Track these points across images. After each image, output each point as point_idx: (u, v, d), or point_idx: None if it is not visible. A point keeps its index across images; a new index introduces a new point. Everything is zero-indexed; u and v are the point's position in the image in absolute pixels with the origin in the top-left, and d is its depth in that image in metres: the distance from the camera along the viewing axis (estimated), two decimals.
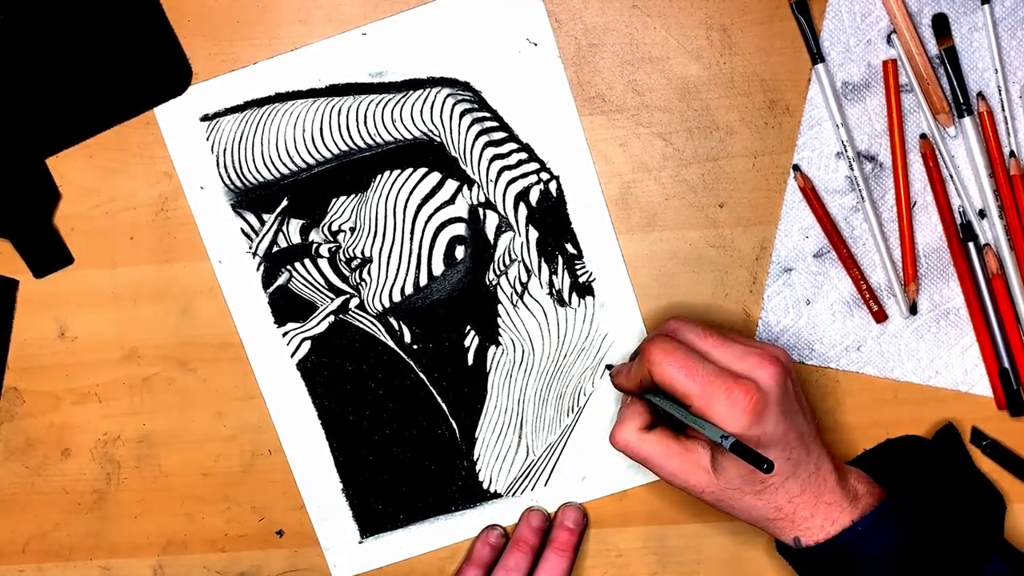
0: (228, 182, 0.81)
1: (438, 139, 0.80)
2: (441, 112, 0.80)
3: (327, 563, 0.83)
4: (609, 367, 0.82)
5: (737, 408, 0.69)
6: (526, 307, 0.82)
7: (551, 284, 0.82)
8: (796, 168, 0.80)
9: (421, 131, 0.80)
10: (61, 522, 0.84)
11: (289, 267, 0.82)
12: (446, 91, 0.80)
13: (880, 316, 0.80)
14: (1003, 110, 0.79)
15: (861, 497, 0.73)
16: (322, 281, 0.82)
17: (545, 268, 0.81)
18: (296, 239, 0.81)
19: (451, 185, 0.81)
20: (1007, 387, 0.80)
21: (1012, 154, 0.79)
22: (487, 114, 0.80)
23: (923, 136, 0.80)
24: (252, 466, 0.83)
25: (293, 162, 0.81)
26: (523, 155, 0.81)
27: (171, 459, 0.83)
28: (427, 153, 0.81)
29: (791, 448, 0.71)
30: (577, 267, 0.81)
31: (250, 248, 0.81)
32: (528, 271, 0.81)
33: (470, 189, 0.81)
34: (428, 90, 0.80)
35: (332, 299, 0.82)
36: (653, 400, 0.74)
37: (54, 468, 0.83)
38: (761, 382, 0.70)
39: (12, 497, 0.84)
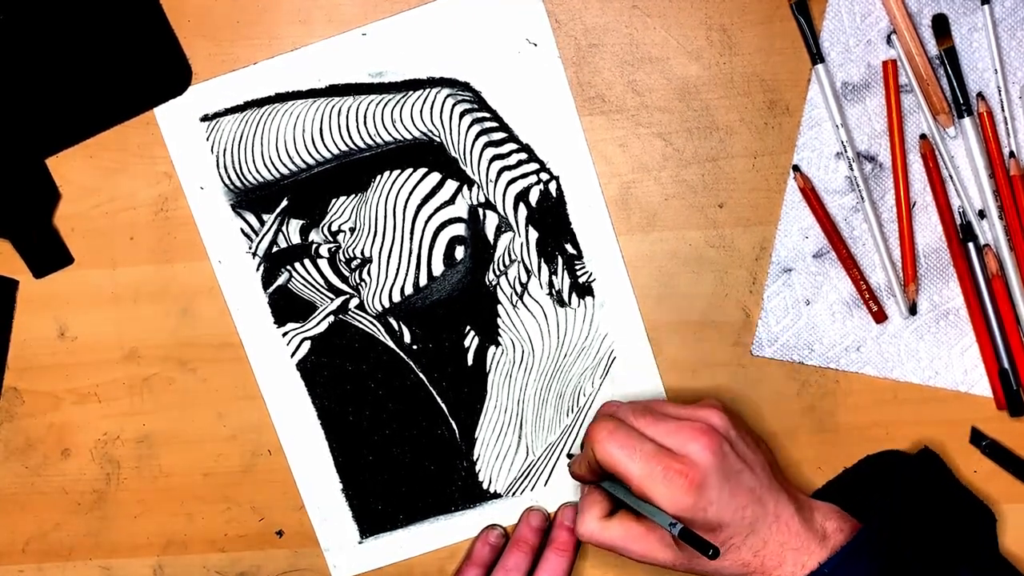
0: (228, 182, 0.81)
1: (438, 139, 0.80)
2: (441, 112, 0.80)
3: (327, 563, 0.83)
4: (570, 456, 0.82)
5: (676, 487, 0.70)
6: (526, 307, 0.82)
7: (551, 284, 0.82)
8: (796, 168, 0.80)
9: (421, 131, 0.80)
10: (61, 522, 0.84)
11: (289, 267, 0.82)
12: (446, 91, 0.80)
13: (880, 316, 0.80)
14: (1003, 110, 0.79)
15: (831, 535, 0.73)
16: (322, 281, 0.82)
17: (545, 268, 0.81)
18: (296, 239, 0.81)
19: (451, 185, 0.81)
20: (1007, 387, 0.80)
21: (1012, 154, 0.79)
22: (487, 114, 0.81)
23: (923, 136, 0.80)
24: (252, 466, 0.83)
25: (293, 162, 0.81)
26: (523, 155, 0.81)
27: (171, 459, 0.83)
28: (427, 153, 0.81)
29: (743, 507, 0.71)
30: (577, 267, 0.81)
31: (250, 248, 0.81)
32: (528, 271, 0.81)
33: (470, 189, 0.81)
34: (428, 90, 0.80)
35: (332, 299, 0.82)
36: (607, 488, 0.76)
37: (54, 468, 0.83)
38: (695, 456, 0.71)
39: (12, 497, 0.84)
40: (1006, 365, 0.80)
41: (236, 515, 0.83)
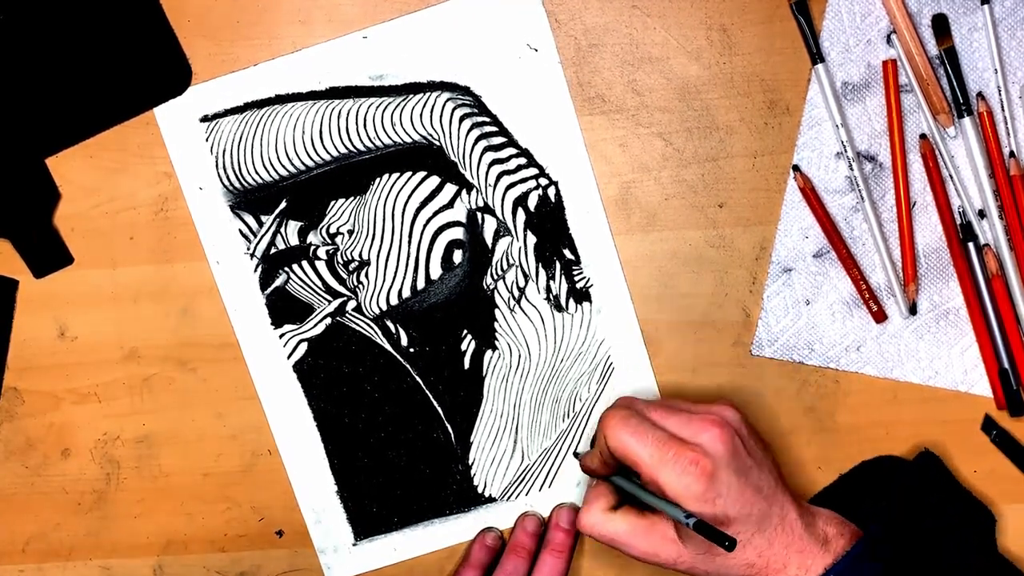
0: (227, 183, 0.81)
1: (437, 143, 0.80)
2: (441, 116, 0.80)
3: (320, 565, 0.83)
4: (576, 454, 0.82)
5: (687, 474, 0.70)
6: (523, 312, 0.82)
7: (548, 289, 0.82)
8: (796, 168, 0.80)
9: (420, 135, 0.80)
10: (61, 522, 0.84)
11: (287, 269, 0.82)
12: (446, 95, 0.80)
13: (880, 316, 0.80)
14: (1003, 110, 0.79)
15: (832, 540, 0.73)
16: (319, 283, 0.82)
17: (543, 273, 0.81)
18: (294, 241, 0.81)
19: (450, 189, 0.81)
20: (1007, 387, 0.80)
21: (1012, 154, 0.79)
22: (487, 119, 0.80)
23: (923, 136, 0.80)
24: (252, 466, 0.83)
25: (292, 164, 0.81)
26: (522, 160, 0.81)
27: (171, 459, 0.83)
28: (426, 157, 0.81)
29: (751, 504, 0.71)
30: (575, 273, 0.81)
31: (248, 249, 0.81)
32: (526, 276, 0.81)
33: (469, 193, 0.81)
34: (428, 94, 0.80)
35: (329, 301, 0.82)
36: (617, 482, 0.75)
37: (54, 468, 0.83)
38: (707, 446, 0.71)
39: (12, 497, 0.84)
40: (1006, 365, 0.80)
41: (236, 515, 0.83)
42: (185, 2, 0.80)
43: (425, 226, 0.81)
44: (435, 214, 0.81)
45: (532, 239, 0.81)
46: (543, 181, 0.81)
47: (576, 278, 0.81)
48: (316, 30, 0.81)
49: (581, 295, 0.82)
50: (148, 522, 0.84)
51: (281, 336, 0.82)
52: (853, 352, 0.81)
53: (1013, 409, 0.80)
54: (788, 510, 0.73)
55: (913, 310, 0.81)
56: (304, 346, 0.82)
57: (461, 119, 0.80)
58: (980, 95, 0.79)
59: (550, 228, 0.81)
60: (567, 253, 0.81)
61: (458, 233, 0.81)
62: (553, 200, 0.81)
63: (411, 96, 0.80)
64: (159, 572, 0.84)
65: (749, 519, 0.72)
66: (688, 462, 0.70)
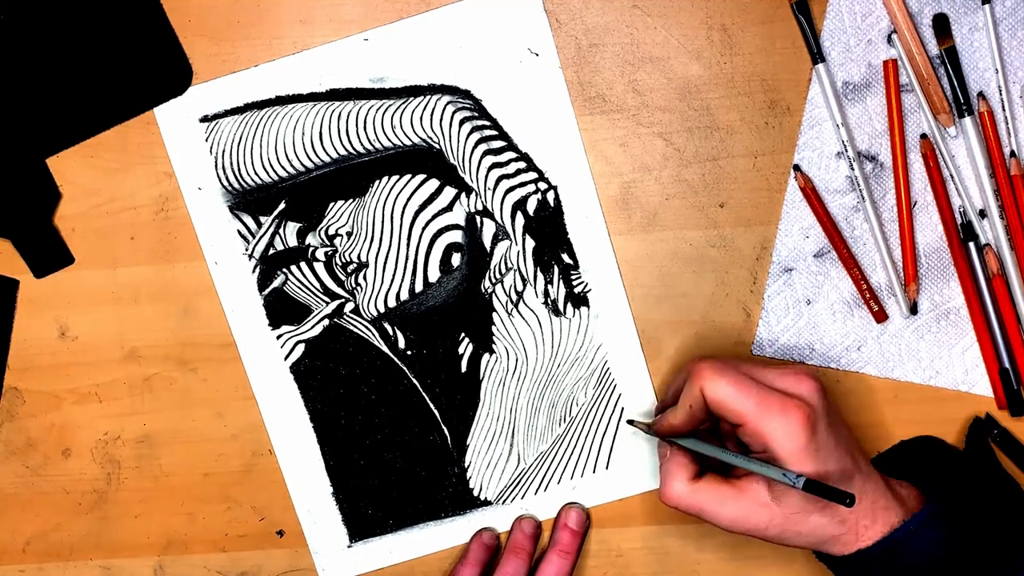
0: (226, 183, 0.81)
1: (437, 146, 0.80)
2: (441, 119, 0.80)
3: (315, 566, 0.83)
4: (631, 422, 0.81)
5: (792, 423, 0.69)
6: (521, 316, 0.82)
7: (546, 294, 0.82)
8: (796, 168, 0.80)
9: (420, 138, 0.80)
10: (62, 522, 0.84)
11: (285, 270, 0.82)
12: (446, 98, 0.80)
13: (880, 316, 0.80)
14: (1003, 110, 0.79)
15: (906, 499, 0.73)
16: (317, 285, 0.82)
17: (541, 277, 0.81)
18: (293, 242, 0.81)
19: (449, 192, 0.81)
20: (1007, 387, 0.80)
21: (1012, 154, 0.79)
22: (487, 122, 0.80)
23: (923, 136, 0.80)
24: (253, 466, 0.83)
25: (292, 165, 0.81)
26: (522, 164, 0.81)
27: (172, 459, 0.83)
28: (426, 160, 0.81)
29: (844, 457, 0.71)
30: (573, 277, 0.81)
31: (246, 250, 0.81)
32: (524, 280, 0.81)
33: (468, 197, 0.81)
34: (428, 97, 0.80)
35: (327, 303, 0.82)
36: (697, 449, 0.73)
37: (55, 468, 0.83)
38: (807, 397, 0.70)
39: (13, 497, 0.84)
40: (1007, 365, 0.80)
41: (237, 515, 0.83)
42: (186, 2, 0.80)
43: (424, 229, 0.81)
44: (434, 217, 0.81)
45: (531, 243, 0.81)
46: (542, 185, 0.81)
47: (574, 283, 0.81)
48: (317, 31, 0.80)
49: (579, 300, 0.82)
50: (149, 522, 0.84)
51: (279, 337, 0.82)
52: (854, 352, 0.81)
53: (1014, 409, 0.80)
54: (870, 468, 0.73)
55: (914, 310, 0.81)
56: (301, 347, 0.82)
57: (461, 122, 0.80)
58: (981, 95, 0.79)
59: (549, 232, 0.81)
60: (565, 258, 0.81)
61: (457, 236, 0.81)
62: (552, 204, 0.81)
63: (411, 99, 0.80)
64: (159, 572, 0.84)
65: (843, 474, 0.70)
66: (793, 410, 0.69)
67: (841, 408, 0.79)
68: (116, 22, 0.80)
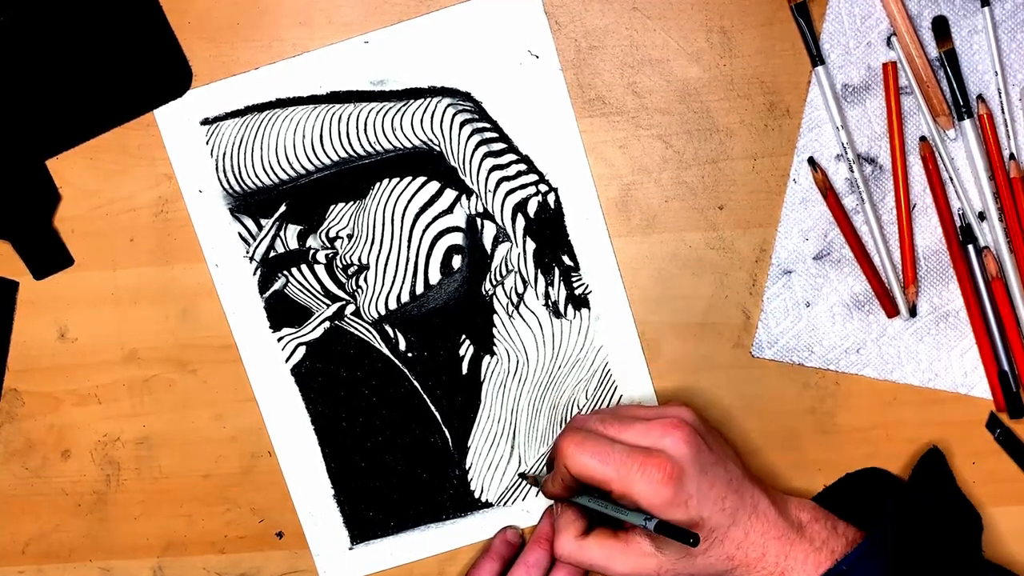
0: (227, 186, 0.81)
1: (437, 148, 0.80)
2: (441, 122, 0.80)
3: (317, 569, 0.83)
4: (523, 475, 0.82)
5: (655, 482, 0.70)
6: (521, 318, 0.82)
7: (547, 295, 0.82)
8: (811, 162, 0.80)
9: (421, 140, 0.80)
10: (61, 523, 0.84)
11: (286, 272, 0.82)
12: (447, 101, 0.80)
13: (891, 311, 0.80)
14: (1003, 112, 0.79)
15: (807, 525, 0.74)
16: (318, 287, 0.82)
17: (542, 279, 0.81)
18: (293, 245, 0.81)
19: (449, 194, 0.81)
20: (1006, 390, 0.80)
21: (1012, 156, 0.79)
22: (487, 125, 0.80)
23: (923, 138, 0.80)
24: (252, 468, 0.83)
25: (292, 168, 0.81)
26: (522, 166, 0.81)
27: (171, 461, 0.83)
28: (426, 162, 0.81)
29: (723, 498, 0.72)
30: (573, 279, 0.81)
31: (247, 253, 0.81)
32: (524, 282, 0.81)
33: (468, 199, 0.81)
34: (429, 99, 0.80)
35: (328, 305, 0.82)
36: (582, 503, 0.75)
37: (54, 469, 0.83)
38: (670, 450, 0.71)
39: (12, 498, 0.84)
40: (1006, 367, 0.80)
41: (236, 516, 0.83)
42: (186, 4, 0.80)
43: (424, 231, 0.81)
44: (435, 219, 0.81)
45: (531, 245, 0.81)
46: (543, 187, 0.81)
47: (575, 284, 0.81)
48: (317, 32, 0.80)
49: (579, 302, 0.82)
50: (148, 524, 0.84)
51: (280, 340, 0.82)
52: (853, 354, 0.81)
53: (1013, 411, 0.81)
54: (759, 499, 0.73)
55: (913, 312, 0.81)
56: (302, 350, 0.82)
57: (461, 125, 0.80)
58: (980, 97, 0.79)
59: (549, 234, 0.81)
60: (566, 259, 0.81)
61: (457, 238, 0.81)
62: (552, 206, 0.81)
63: (412, 101, 0.80)
64: (159, 573, 0.84)
65: (723, 514, 0.72)
66: (655, 469, 0.70)
67: (726, 439, 0.78)
68: (116, 23, 0.80)
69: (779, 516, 0.73)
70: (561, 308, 0.82)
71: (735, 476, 0.73)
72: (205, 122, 0.81)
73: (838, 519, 0.75)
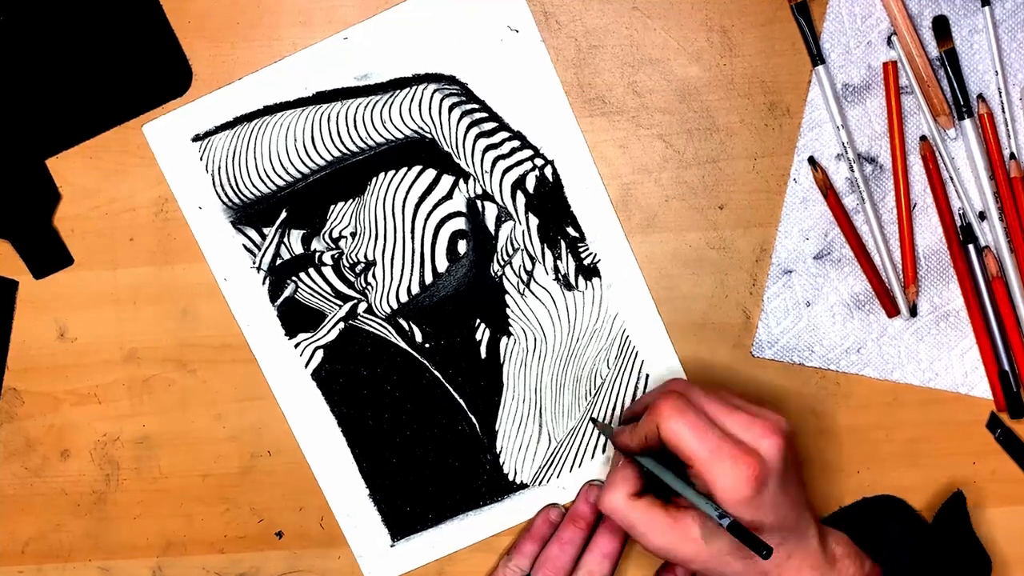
0: (225, 199, 0.81)
1: (429, 135, 0.80)
2: (430, 108, 0.80)
3: (361, 571, 0.83)
4: (594, 420, 0.81)
5: (740, 477, 0.69)
6: (533, 295, 0.81)
7: (556, 269, 0.81)
8: (812, 161, 0.80)
9: (412, 129, 0.80)
10: (60, 523, 0.84)
11: (294, 278, 0.81)
12: (432, 87, 0.80)
13: (892, 311, 0.80)
14: (1003, 112, 0.79)
15: (839, 559, 0.74)
16: (328, 289, 0.82)
17: (549, 254, 0.81)
18: (298, 249, 0.81)
19: (447, 180, 0.81)
20: (1007, 389, 0.80)
21: (1012, 156, 0.79)
22: (475, 105, 0.80)
23: (923, 138, 0.80)
24: (252, 467, 0.83)
25: (288, 173, 0.81)
26: (515, 143, 0.81)
27: (170, 460, 0.83)
28: (420, 150, 0.81)
29: (786, 517, 0.71)
30: (581, 250, 0.81)
31: (254, 263, 0.81)
32: (532, 258, 0.81)
33: (466, 182, 0.81)
34: (414, 87, 0.80)
35: (340, 306, 0.82)
36: (647, 466, 0.73)
37: (53, 469, 0.83)
38: (765, 453, 0.70)
39: (11, 498, 0.84)
40: (1006, 367, 0.80)
41: (235, 516, 0.83)
42: (186, 3, 0.80)
43: (427, 220, 0.81)
44: (435, 207, 0.81)
45: (534, 221, 0.81)
46: (539, 161, 0.81)
47: (583, 255, 0.81)
48: (316, 31, 0.80)
49: (590, 271, 0.81)
50: (147, 523, 0.84)
51: (296, 346, 0.82)
52: (853, 354, 0.81)
53: (1013, 411, 0.80)
54: (809, 525, 0.73)
55: (913, 312, 0.81)
56: (320, 353, 0.82)
57: (450, 108, 0.80)
58: (980, 97, 0.79)
59: (551, 208, 0.81)
60: (571, 231, 0.81)
61: (460, 223, 0.81)
62: (551, 179, 0.81)
63: (398, 92, 0.80)
64: (158, 573, 0.84)
65: (780, 530, 0.71)
66: (745, 466, 0.69)
67: (803, 454, 0.78)
68: (116, 23, 0.80)
69: (819, 548, 0.73)
70: (572, 280, 0.81)
71: (801, 501, 0.73)
72: (196, 138, 0.81)
73: (866, 556, 0.75)
